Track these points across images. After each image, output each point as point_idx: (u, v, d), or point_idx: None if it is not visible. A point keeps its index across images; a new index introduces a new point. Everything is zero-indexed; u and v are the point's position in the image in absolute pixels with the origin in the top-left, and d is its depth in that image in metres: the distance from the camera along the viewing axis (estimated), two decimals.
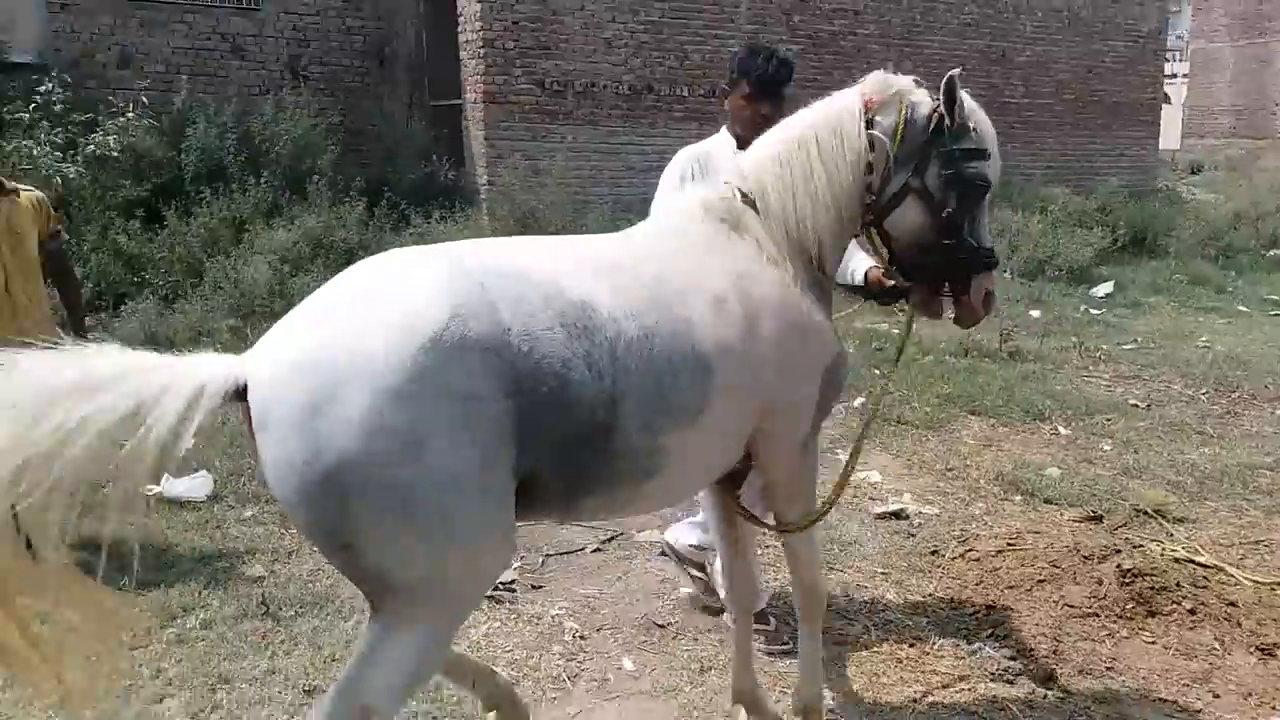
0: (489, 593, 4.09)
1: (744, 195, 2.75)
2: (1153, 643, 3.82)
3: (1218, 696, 3.52)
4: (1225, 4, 31.46)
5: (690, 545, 4.19)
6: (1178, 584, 4.08)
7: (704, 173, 3.64)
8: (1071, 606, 4.03)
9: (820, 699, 3.17)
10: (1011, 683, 3.61)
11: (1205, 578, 4.22)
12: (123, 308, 8.47)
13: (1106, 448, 6.17)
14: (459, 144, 12.88)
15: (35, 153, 9.34)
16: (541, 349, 2.12)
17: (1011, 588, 4.22)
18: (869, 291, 3.34)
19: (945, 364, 7.96)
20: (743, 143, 3.46)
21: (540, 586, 4.28)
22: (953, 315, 2.94)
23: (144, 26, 12.16)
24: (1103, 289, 11.66)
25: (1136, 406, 7.09)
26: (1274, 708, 3.45)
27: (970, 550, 4.58)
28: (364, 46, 13.60)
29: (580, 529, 4.80)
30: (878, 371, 7.53)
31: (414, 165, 12.29)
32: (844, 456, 4.84)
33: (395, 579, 2.08)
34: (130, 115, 10.56)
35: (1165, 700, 3.50)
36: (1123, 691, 3.54)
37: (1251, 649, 3.76)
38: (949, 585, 4.32)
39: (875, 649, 3.82)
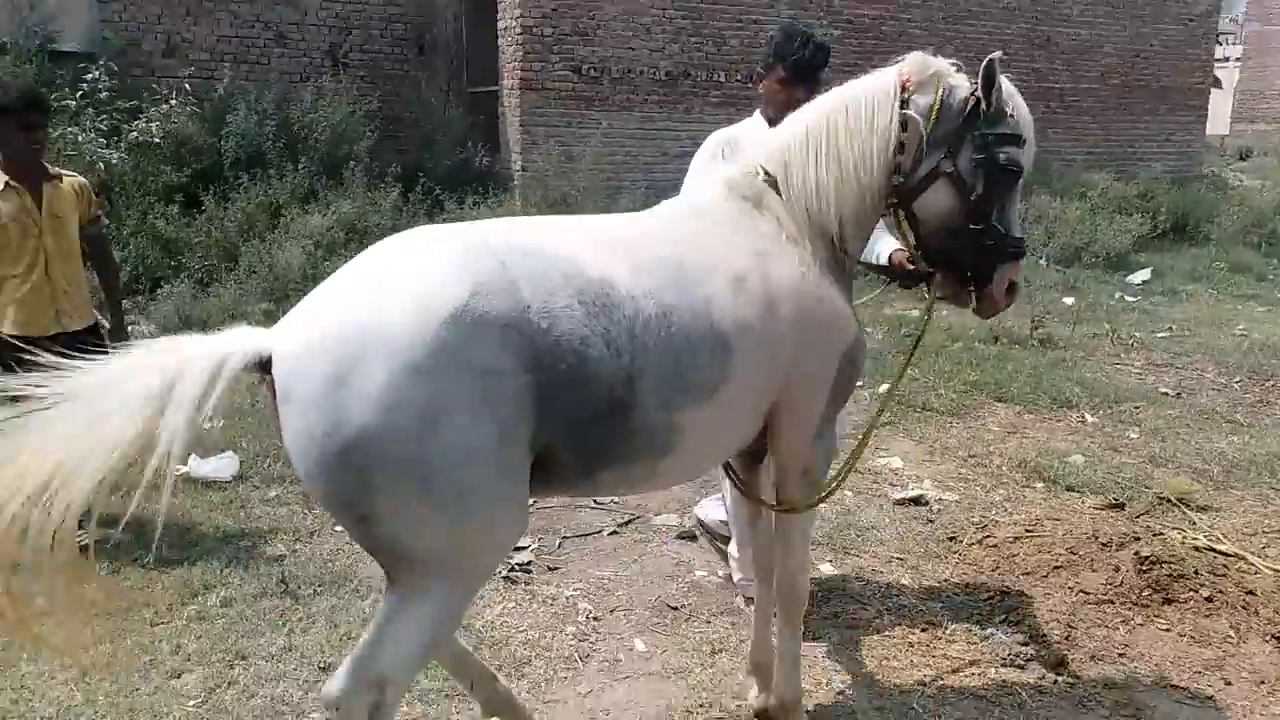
0: (505, 574, 4.16)
1: (766, 173, 2.75)
2: (1167, 630, 3.80)
3: (1230, 684, 3.51)
4: None
5: (721, 520, 4.27)
6: (1196, 571, 4.05)
7: (734, 155, 3.64)
8: (1087, 593, 4.02)
9: (799, 699, 3.17)
10: (1022, 668, 3.61)
11: (1225, 566, 4.18)
12: (159, 291, 8.62)
13: (1133, 436, 6.12)
14: (495, 130, 12.94)
15: (80, 139, 9.51)
16: (560, 326, 2.16)
17: (1028, 574, 4.21)
18: (892, 273, 3.34)
19: (974, 350, 7.91)
20: (775, 127, 3.47)
21: (556, 568, 4.33)
22: (974, 305, 2.92)
23: (190, 15, 12.33)
24: (1140, 276, 11.49)
25: (1166, 394, 7.01)
26: None
27: (988, 536, 4.57)
28: (404, 33, 13.68)
29: (598, 512, 4.86)
30: (901, 356, 7.49)
31: (450, 151, 12.36)
32: None
33: (411, 550, 2.13)
34: (173, 102, 10.75)
35: (1176, 687, 3.49)
36: (1134, 678, 3.53)
37: (1267, 637, 3.73)
38: (965, 571, 4.32)
39: (887, 633, 3.83)
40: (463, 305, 2.05)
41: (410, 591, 2.18)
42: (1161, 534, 4.45)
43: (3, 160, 4.19)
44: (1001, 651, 3.70)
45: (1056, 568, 4.20)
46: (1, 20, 11.01)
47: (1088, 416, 6.48)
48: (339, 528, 4.41)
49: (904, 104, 2.71)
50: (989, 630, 3.84)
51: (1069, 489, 5.20)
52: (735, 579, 4.11)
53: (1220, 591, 3.97)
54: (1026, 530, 4.54)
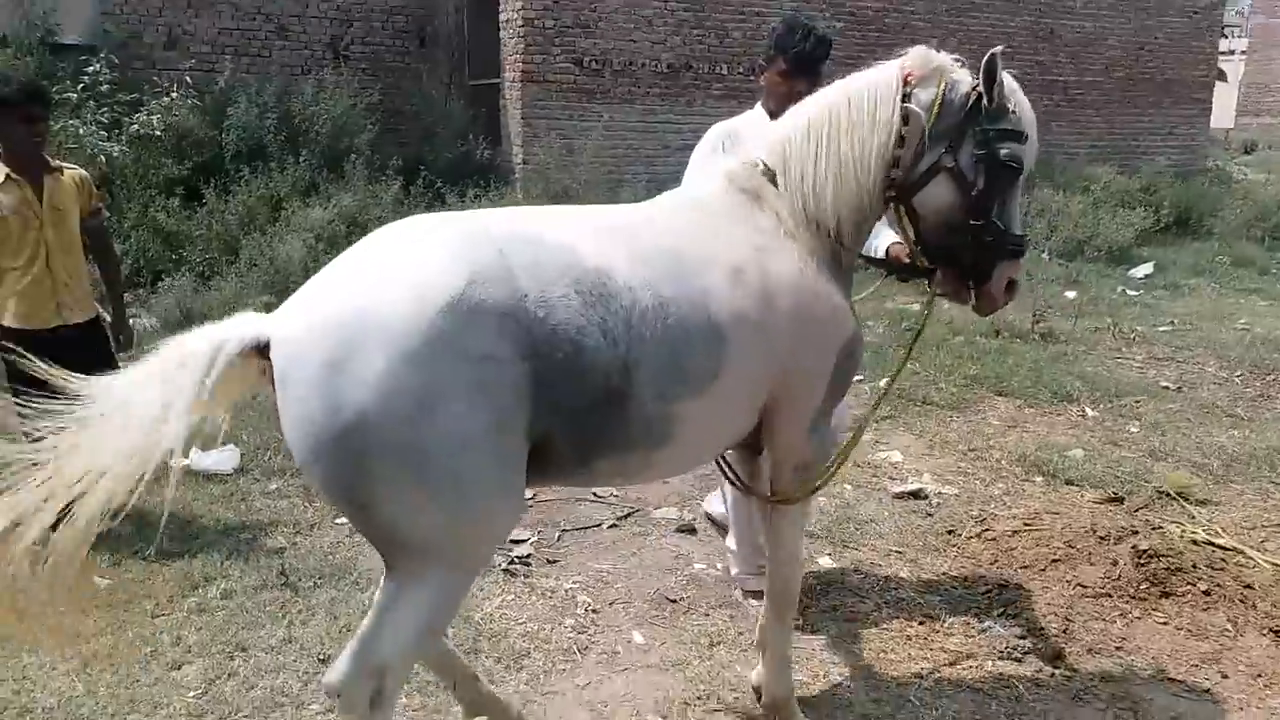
0: (505, 566, 4.17)
1: (765, 166, 2.75)
2: (1165, 623, 3.81)
3: (1226, 677, 3.51)
4: None
5: (724, 513, 4.27)
6: (1194, 565, 4.05)
7: (734, 147, 3.64)
8: (1084, 587, 4.02)
9: (789, 696, 3.17)
10: (1019, 661, 3.62)
11: (1223, 559, 4.18)
12: (160, 284, 8.62)
13: (1133, 430, 6.12)
14: (496, 123, 12.92)
15: (81, 132, 9.51)
16: (557, 315, 2.17)
17: (1025, 567, 4.22)
18: (890, 266, 3.33)
19: (975, 344, 7.90)
20: (777, 119, 3.47)
21: (555, 561, 4.34)
22: (973, 302, 2.91)
23: (191, 7, 12.30)
24: (1142, 270, 11.48)
25: (1167, 389, 7.01)
26: None
27: (986, 530, 4.58)
28: (406, 26, 13.66)
29: (597, 505, 4.87)
30: (902, 350, 7.49)
31: (451, 144, 12.34)
32: (865, 436, 4.87)
33: (408, 536, 2.14)
34: (174, 95, 10.74)
35: (1173, 680, 3.50)
36: (1131, 671, 3.54)
37: (1265, 631, 3.74)
38: (963, 564, 4.33)
39: (885, 626, 3.84)
40: (460, 293, 2.06)
41: (407, 579, 2.19)
42: (1160, 528, 4.45)
43: (4, 153, 4.20)
44: (999, 644, 3.71)
45: (1054, 561, 4.21)
46: (3, 13, 11.01)
47: (1088, 410, 6.48)
48: (339, 520, 4.44)
49: (906, 98, 2.71)
50: (987, 623, 3.85)
51: (1068, 483, 5.20)
52: (733, 573, 4.12)
53: (1218, 585, 3.97)
54: (1025, 524, 4.54)
